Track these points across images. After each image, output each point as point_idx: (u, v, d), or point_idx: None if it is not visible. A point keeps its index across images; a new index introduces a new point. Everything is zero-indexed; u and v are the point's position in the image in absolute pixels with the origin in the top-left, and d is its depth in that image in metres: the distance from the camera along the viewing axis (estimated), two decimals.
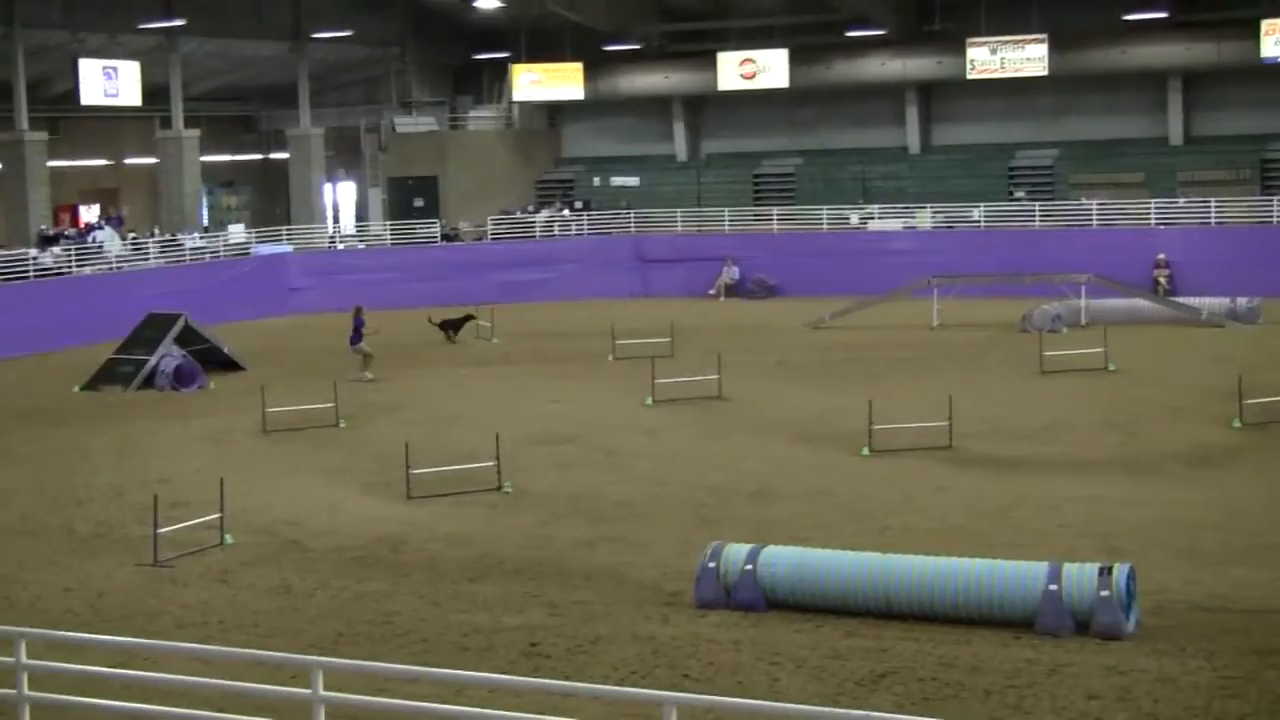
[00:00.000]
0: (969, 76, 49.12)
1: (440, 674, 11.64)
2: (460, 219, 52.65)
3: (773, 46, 51.64)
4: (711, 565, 15.33)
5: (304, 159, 52.43)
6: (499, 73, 55.92)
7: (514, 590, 16.26)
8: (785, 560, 15.23)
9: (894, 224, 48.59)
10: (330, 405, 27.04)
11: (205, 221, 52.05)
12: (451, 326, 38.15)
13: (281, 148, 56.18)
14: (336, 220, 56.75)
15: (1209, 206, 45.41)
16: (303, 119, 52.14)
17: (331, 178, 56.30)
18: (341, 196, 58.89)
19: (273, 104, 57.78)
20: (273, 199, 59.06)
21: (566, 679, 12.77)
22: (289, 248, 48.89)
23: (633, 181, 55.08)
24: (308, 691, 9.86)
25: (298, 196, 53.17)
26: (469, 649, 14.26)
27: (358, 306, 32.79)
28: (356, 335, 32.28)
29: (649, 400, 28.23)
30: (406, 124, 55.49)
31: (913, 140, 52.47)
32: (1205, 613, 14.66)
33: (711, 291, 48.01)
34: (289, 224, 51.71)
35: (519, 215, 52.92)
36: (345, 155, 57.27)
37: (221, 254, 46.98)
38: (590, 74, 54.11)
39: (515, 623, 15.04)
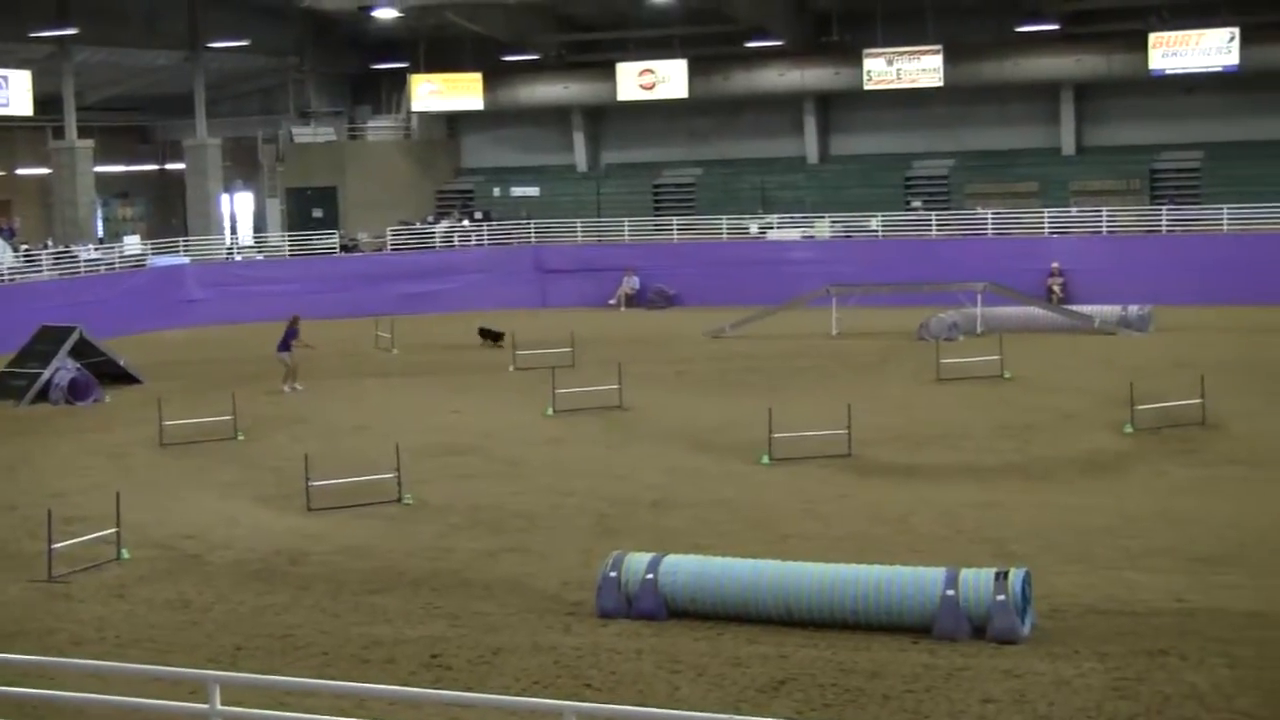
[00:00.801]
0: (866, 87, 49.62)
1: (340, 686, 11.57)
2: (359, 230, 52.36)
3: (672, 57, 51.86)
4: (613, 575, 15.36)
5: (201, 169, 51.86)
6: (398, 83, 55.68)
7: (415, 602, 16.19)
8: (686, 569, 15.29)
9: (793, 234, 48.96)
10: (228, 418, 26.79)
11: (100, 233, 51.36)
12: (492, 336, 38.27)
13: (178, 158, 55.52)
14: (234, 231, 56.18)
15: (1101, 216, 46.16)
16: (199, 129, 51.58)
17: (229, 188, 55.75)
18: (239, 207, 58.34)
19: (169, 114, 57.10)
20: (169, 210, 58.41)
21: (468, 690, 12.74)
22: (186, 259, 48.35)
23: (533, 192, 55.07)
24: (205, 706, 9.77)
25: (195, 207, 52.58)
26: (370, 661, 14.19)
27: (295, 315, 32.51)
28: (285, 343, 31.80)
29: (550, 410, 28.23)
30: (305, 134, 55.11)
31: (811, 150, 52.87)
32: (1098, 615, 14.89)
33: (612, 301, 48.09)
34: (186, 235, 51.16)
35: (418, 226, 52.72)
36: (243, 166, 56.77)
37: (117, 266, 46.36)
38: (489, 84, 54.04)
39: (416, 634, 14.98)
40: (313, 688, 11.69)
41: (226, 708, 9.88)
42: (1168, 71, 46.72)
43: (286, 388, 31.52)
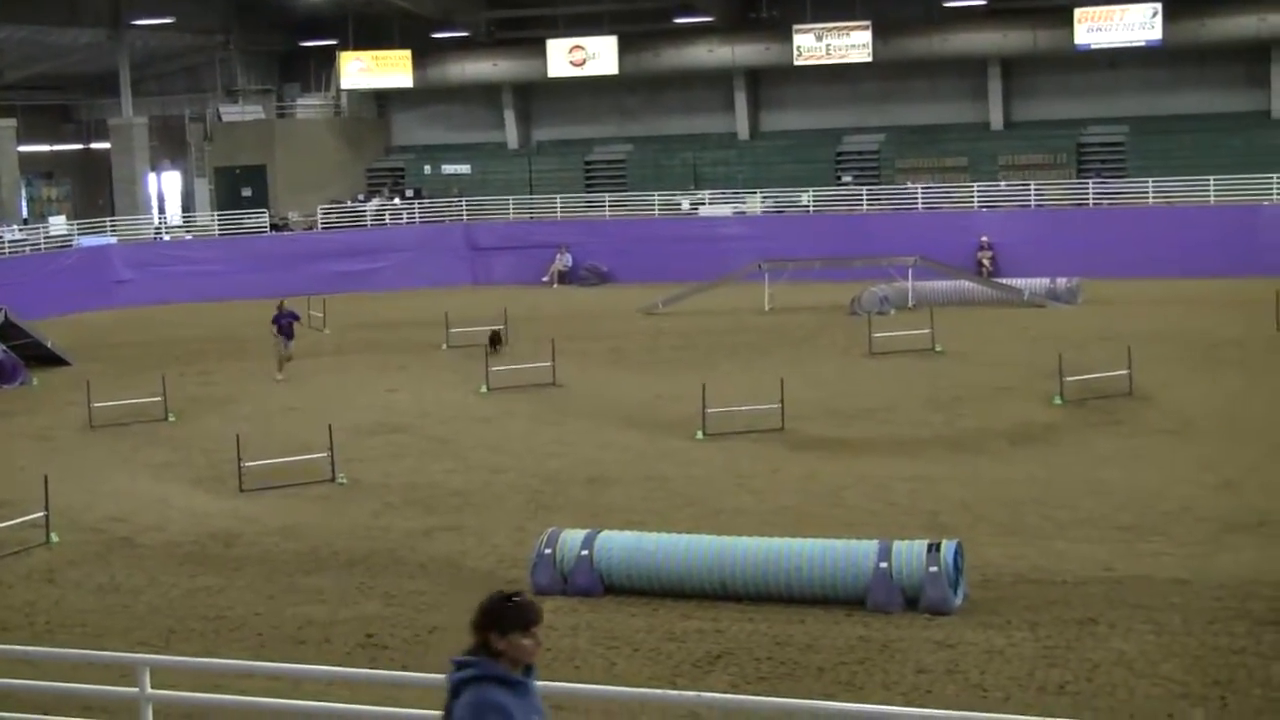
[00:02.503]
0: (796, 63, 49.74)
1: (273, 668, 11.53)
2: (289, 209, 52.00)
3: (601, 34, 51.81)
4: (547, 552, 15.38)
5: (126, 149, 51.33)
6: (327, 60, 55.31)
7: (350, 582, 16.15)
8: (621, 545, 15.32)
9: (724, 210, 49.04)
10: (158, 399, 26.59)
11: (25, 213, 50.74)
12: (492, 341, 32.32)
13: (103, 138, 54.98)
14: (162, 211, 55.67)
15: (1029, 190, 46.53)
16: (125, 108, 51.03)
17: (156, 168, 55.22)
18: (167, 187, 57.79)
19: (93, 93, 56.50)
20: (95, 190, 57.79)
21: (404, 669, 12.73)
22: (113, 239, 47.89)
23: (464, 169, 54.89)
24: (135, 690, 9.71)
25: (121, 187, 52.05)
26: (305, 642, 14.14)
27: (282, 300, 31.71)
28: (289, 330, 30.72)
29: (483, 389, 28.19)
30: (232, 113, 54.63)
31: (742, 126, 52.95)
32: (1029, 585, 15.05)
33: (544, 279, 48.03)
34: (112, 215, 50.64)
35: (349, 204, 52.43)
36: (170, 145, 56.22)
37: (42, 247, 45.87)
38: (419, 62, 53.77)
39: (351, 614, 14.95)
40: (246, 669, 11.65)
41: (158, 691, 9.83)
42: (1093, 46, 47.13)
43: (280, 377, 30.18)
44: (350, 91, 55.49)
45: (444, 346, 33.83)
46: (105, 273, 46.00)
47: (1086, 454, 21.63)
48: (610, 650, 13.57)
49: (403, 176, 55.65)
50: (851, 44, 48.84)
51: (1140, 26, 46.29)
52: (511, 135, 55.54)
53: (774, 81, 52.97)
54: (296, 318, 31.41)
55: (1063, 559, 15.94)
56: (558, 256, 48.32)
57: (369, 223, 50.96)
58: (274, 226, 50.46)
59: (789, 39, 49.42)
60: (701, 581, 14.86)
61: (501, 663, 6.44)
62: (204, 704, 10.32)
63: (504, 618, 6.44)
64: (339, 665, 12.90)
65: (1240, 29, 46.59)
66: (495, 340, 32.23)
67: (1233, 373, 27.45)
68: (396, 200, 52.87)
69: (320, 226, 50.54)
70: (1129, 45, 46.85)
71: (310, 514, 19.45)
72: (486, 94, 55.52)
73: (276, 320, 30.85)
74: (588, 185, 53.35)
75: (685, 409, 24.51)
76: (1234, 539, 16.60)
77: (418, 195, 53.22)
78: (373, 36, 53.43)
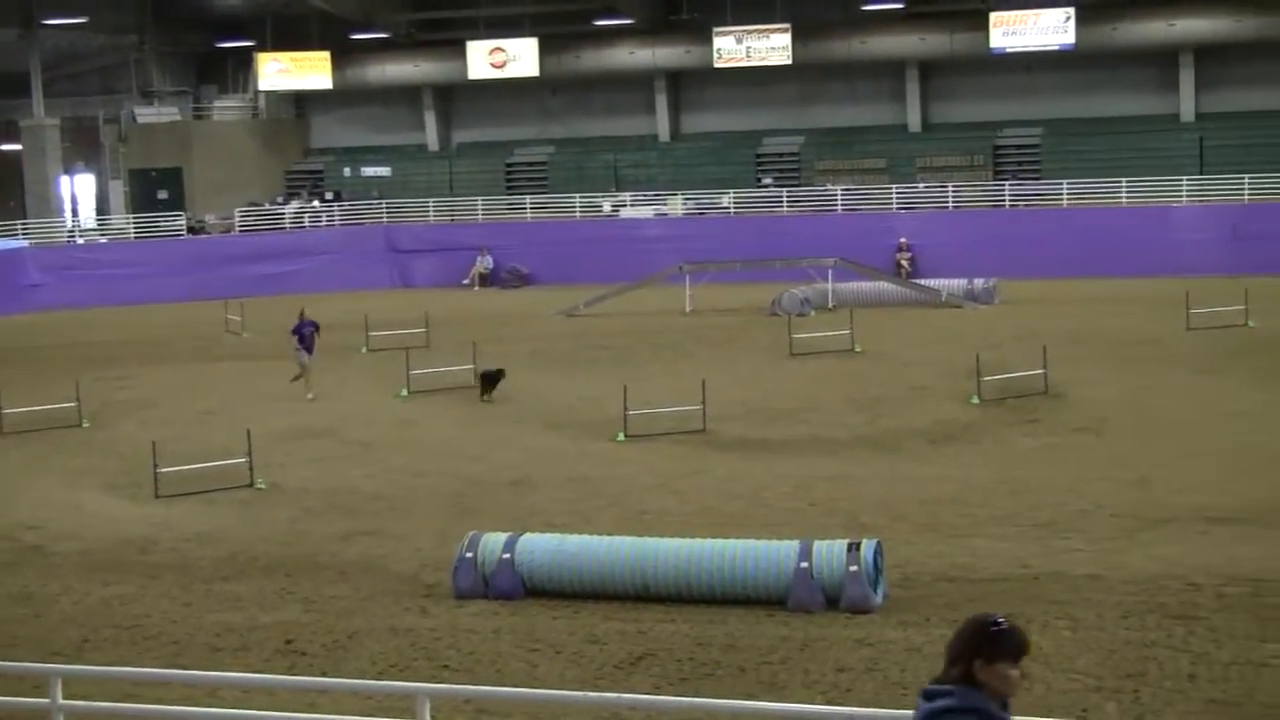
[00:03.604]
0: (716, 65, 49.91)
1: (191, 676, 11.45)
2: (206, 211, 51.53)
3: (522, 35, 51.76)
4: (469, 555, 15.33)
5: (39, 150, 50.69)
6: (244, 62, 54.88)
7: (268, 587, 16.02)
8: (543, 548, 15.30)
9: (646, 211, 49.11)
10: (72, 404, 26.25)
11: None
12: (489, 381, 27.83)
13: (14, 139, 54.19)
14: (75, 214, 55.01)
15: (947, 191, 46.91)
16: (36, 109, 50.36)
17: (69, 170, 54.53)
18: (80, 189, 57.08)
19: (3, 93, 55.67)
20: (6, 192, 56.92)
21: (323, 675, 12.66)
22: (25, 243, 47.24)
23: (384, 172, 54.65)
24: (46, 701, 9.58)
25: (33, 189, 51.38)
26: (222, 649, 14.01)
27: (302, 308, 29.58)
28: (308, 343, 28.39)
29: (404, 392, 28.07)
30: (148, 114, 54.06)
31: (663, 128, 53.05)
32: (948, 583, 15.17)
33: (466, 281, 47.88)
34: (24, 218, 49.97)
35: (268, 207, 52.02)
36: (83, 147, 55.53)
37: None
38: (338, 63, 53.49)
39: (270, 620, 14.82)
40: (162, 678, 11.55)
41: (70, 702, 9.71)
42: (1008, 50, 47.63)
43: (310, 395, 27.93)
44: (268, 93, 55.09)
45: (364, 350, 33.65)
46: (17, 276, 45.37)
47: (1003, 453, 21.85)
48: (532, 653, 13.55)
49: (322, 179, 55.32)
50: (771, 46, 49.06)
51: (1054, 30, 46.83)
52: (432, 137, 55.35)
53: (695, 83, 53.11)
54: (317, 327, 28.68)
55: (980, 557, 16.08)
56: (479, 259, 48.18)
57: (288, 225, 50.59)
58: (191, 229, 49.99)
59: (709, 41, 49.59)
60: (623, 583, 14.87)
61: (984, 694, 5.81)
62: (118, 713, 10.21)
63: (993, 645, 5.78)
64: (257, 672, 12.80)
65: (1150, 33, 47.26)
66: (492, 381, 27.41)
67: (1145, 371, 27.82)
68: (316, 203, 52.54)
69: (238, 229, 50.11)
70: (1043, 49, 47.40)
71: (228, 520, 19.27)
72: (407, 96, 55.30)
73: (297, 330, 28.46)
74: (509, 187, 53.26)
75: (607, 411, 24.53)
76: (1146, 535, 16.84)
77: (337, 198, 52.92)
78: (291, 38, 53.06)
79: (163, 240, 48.97)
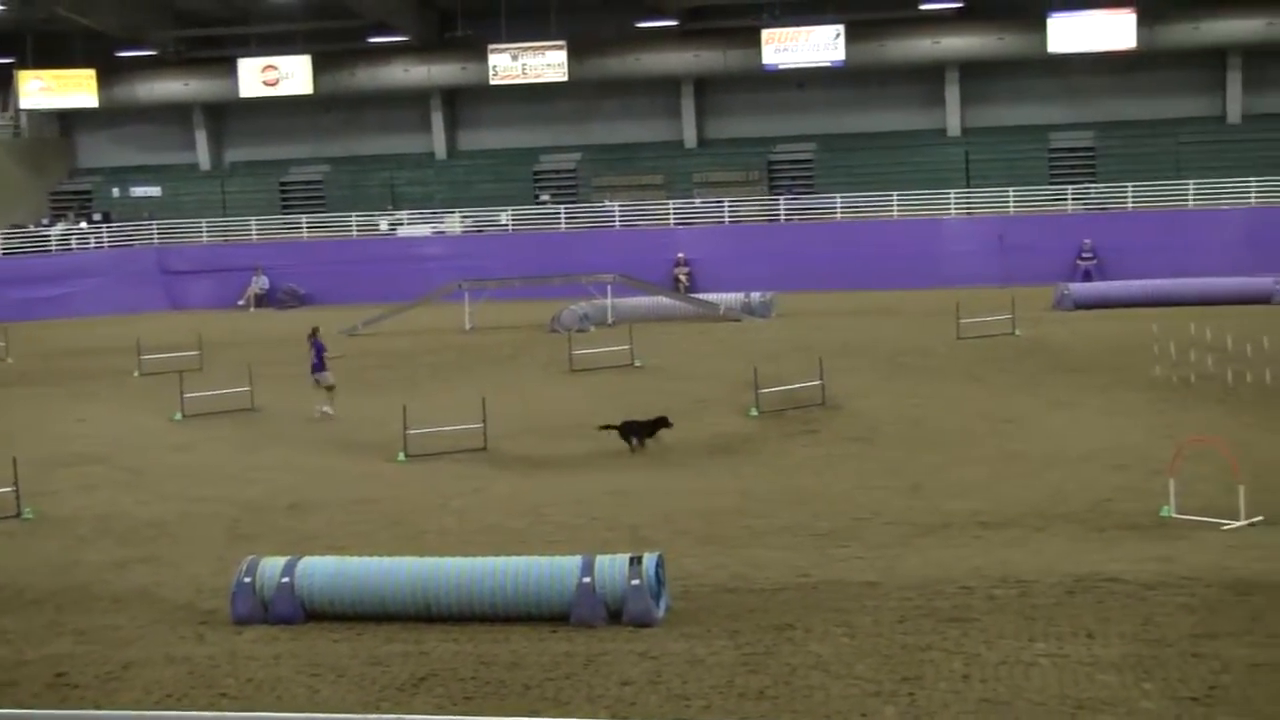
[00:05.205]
0: (492, 82, 49.91)
1: None
2: None
3: (295, 53, 51.11)
4: (247, 580, 15.07)
5: None
6: (4, 79, 53.16)
7: (38, 620, 15.52)
8: (323, 570, 15.11)
9: (423, 230, 48.88)
10: None
11: None
12: (636, 433, 23.72)
13: None
14: None
15: (723, 206, 47.57)
16: None
17: None
18: None
19: None
20: None
21: (97, 708, 12.33)
22: None
23: (154, 191, 53.46)
24: None
25: None
26: None
27: (315, 328, 28.52)
28: (320, 361, 27.74)
29: (178, 415, 27.49)
30: None
31: (439, 146, 52.87)
32: (729, 594, 15.36)
33: (241, 302, 47.11)
34: None
35: (32, 229, 50.48)
36: None
37: None
38: (105, 81, 52.17)
39: (40, 654, 14.37)
40: None
41: None
42: (780, 66, 48.52)
43: (329, 409, 27.40)
44: (30, 112, 53.47)
45: (136, 374, 32.87)
46: None
47: (782, 463, 22.22)
48: (314, 677, 13.37)
49: (90, 199, 53.90)
50: (547, 63, 49.23)
51: (825, 47, 47.84)
52: (204, 156, 54.35)
53: (471, 101, 53.05)
54: (323, 346, 28.04)
55: (761, 567, 16.31)
56: (254, 279, 47.44)
57: (54, 248, 49.18)
58: None
59: (485, 58, 49.57)
60: (406, 604, 14.76)
61: None
62: None
63: None
64: (26, 709, 12.40)
65: (917, 50, 48.60)
66: (650, 431, 23.57)
67: (917, 381, 28.56)
68: (84, 224, 51.16)
69: (1, 252, 48.55)
70: (815, 65, 48.37)
71: None
72: (177, 114, 54.21)
73: (318, 350, 27.83)
74: (284, 206, 52.54)
75: (387, 431, 24.33)
76: (921, 541, 17.26)
77: (106, 219, 51.60)
78: (54, 55, 51.59)
79: None
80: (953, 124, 49.64)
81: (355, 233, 49.38)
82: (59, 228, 50.60)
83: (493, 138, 53.17)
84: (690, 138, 51.37)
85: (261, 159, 54.51)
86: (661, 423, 23.59)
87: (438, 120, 52.57)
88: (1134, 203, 45.57)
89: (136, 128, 55.12)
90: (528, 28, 49.36)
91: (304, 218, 50.47)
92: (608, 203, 48.99)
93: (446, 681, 13.10)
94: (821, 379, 26.31)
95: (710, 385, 28.74)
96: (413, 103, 52.74)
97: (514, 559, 15.14)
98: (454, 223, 49.00)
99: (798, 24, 48.10)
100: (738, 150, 50.97)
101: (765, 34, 48.16)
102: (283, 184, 53.34)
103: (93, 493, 21.86)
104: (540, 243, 47.14)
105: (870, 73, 49.56)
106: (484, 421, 23.81)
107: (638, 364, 31.41)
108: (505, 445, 23.81)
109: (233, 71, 51.31)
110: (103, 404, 29.75)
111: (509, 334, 37.42)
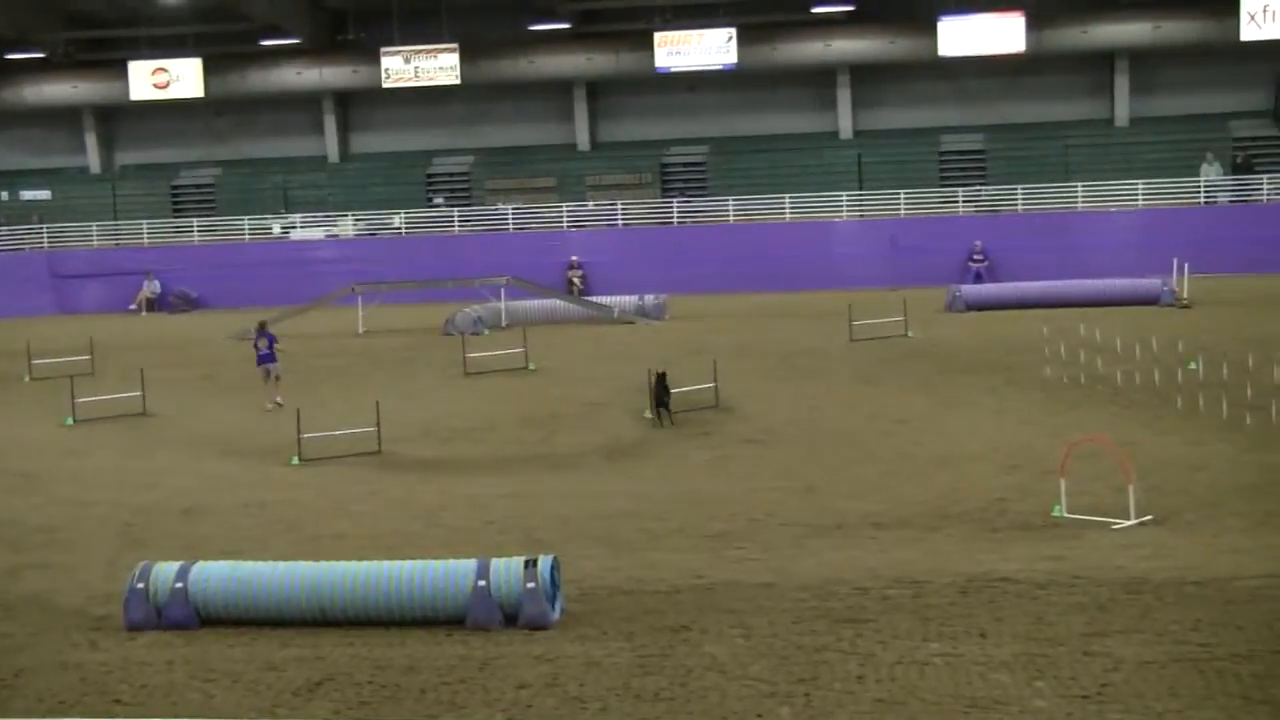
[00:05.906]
0: (385, 85, 49.74)
1: None
2: None
3: (186, 55, 50.60)
4: (140, 586, 14.96)
5: None
6: None
7: None
8: (217, 576, 15.04)
9: (316, 233, 48.61)
10: None
11: None
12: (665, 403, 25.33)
13: None
14: None
15: (616, 209, 47.72)
16: None
17: None
18: None
19: None
20: None
21: None
22: None
23: (44, 195, 52.71)
24: None
25: None
26: None
27: (261, 322, 29.30)
28: (270, 353, 28.41)
29: (69, 420, 27.18)
30: None
31: (332, 149, 52.59)
32: (625, 596, 15.46)
33: (132, 306, 46.60)
34: None
35: None
36: None
37: None
38: None
39: None
40: None
41: None
42: (672, 70, 48.78)
43: (280, 399, 27.95)
44: None
45: (26, 378, 32.43)
46: None
47: (678, 466, 22.37)
48: (208, 683, 13.32)
49: None
50: (439, 66, 49.14)
51: (717, 50, 48.17)
52: (94, 159, 53.68)
53: (363, 104, 52.83)
54: (273, 338, 28.83)
55: (657, 569, 16.43)
56: (145, 283, 46.94)
57: None
58: None
59: (377, 61, 49.38)
60: (300, 609, 14.74)
61: None
62: None
63: None
64: None
65: (808, 54, 49.06)
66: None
67: (810, 382, 28.86)
68: None
69: None
70: (707, 68, 48.68)
71: None
72: (66, 117, 53.49)
73: (263, 342, 28.56)
74: (175, 210, 52.03)
75: (280, 435, 24.21)
76: (815, 542, 17.45)
77: None
78: None
79: None
80: (844, 127, 50.16)
81: (247, 236, 49.00)
82: None
83: (385, 141, 52.98)
84: (583, 140, 51.48)
85: (152, 162, 53.93)
86: (661, 379, 25.24)
87: (330, 123, 52.30)
88: (1024, 205, 46.31)
89: (25, 130, 54.32)
90: (420, 30, 49.25)
91: (195, 221, 50.01)
92: (501, 206, 48.97)
93: (342, 686, 13.10)
94: (715, 381, 26.51)
95: (604, 388, 28.85)
96: (305, 106, 52.43)
97: (409, 563, 15.14)
98: (347, 226, 48.78)
99: (690, 27, 48.40)
100: (631, 153, 51.16)
101: (658, 37, 48.38)
102: (174, 187, 52.82)
103: None
104: (434, 246, 47.04)
105: (762, 76, 49.96)
106: (378, 425, 23.77)
107: (532, 367, 31.46)
108: (400, 449, 23.79)
109: (123, 74, 50.72)
110: None
111: (403, 337, 37.32)
